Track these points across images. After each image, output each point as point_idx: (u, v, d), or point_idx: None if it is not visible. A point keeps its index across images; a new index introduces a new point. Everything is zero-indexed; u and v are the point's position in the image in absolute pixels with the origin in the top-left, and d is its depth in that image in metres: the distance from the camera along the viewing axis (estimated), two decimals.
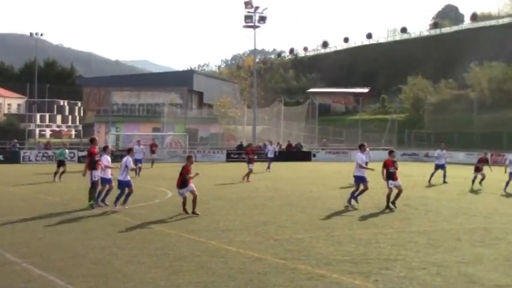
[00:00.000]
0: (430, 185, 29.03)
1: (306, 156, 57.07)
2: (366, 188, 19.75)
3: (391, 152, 20.23)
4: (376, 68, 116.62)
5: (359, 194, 19.72)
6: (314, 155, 58.66)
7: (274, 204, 20.53)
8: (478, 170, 27.70)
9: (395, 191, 19.12)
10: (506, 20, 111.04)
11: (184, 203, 17.60)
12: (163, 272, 10.39)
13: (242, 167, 33.47)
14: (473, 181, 27.43)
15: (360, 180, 19.73)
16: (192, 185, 17.67)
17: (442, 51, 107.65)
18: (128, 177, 18.79)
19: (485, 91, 77.45)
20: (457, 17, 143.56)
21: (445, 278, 10.10)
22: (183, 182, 17.71)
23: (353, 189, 20.27)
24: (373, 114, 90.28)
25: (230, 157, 54.72)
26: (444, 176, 30.27)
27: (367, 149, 22.18)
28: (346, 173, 38.95)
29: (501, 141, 60.75)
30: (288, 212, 18.43)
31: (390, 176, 19.20)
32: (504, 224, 16.64)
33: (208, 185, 26.08)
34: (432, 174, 30.43)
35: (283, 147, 57.56)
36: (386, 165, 19.41)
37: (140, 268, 10.72)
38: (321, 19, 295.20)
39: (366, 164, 20.01)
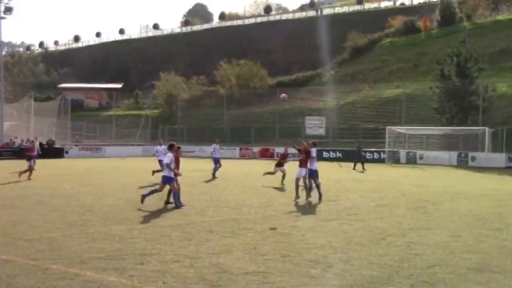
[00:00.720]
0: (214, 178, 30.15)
1: (58, 153, 55.30)
2: (173, 189, 19.34)
3: (178, 148, 20.24)
4: (129, 63, 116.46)
5: (151, 193, 19.16)
6: (67, 152, 57.15)
7: (25, 203, 19.59)
8: (279, 165, 28.10)
9: (166, 188, 19.33)
10: (251, 20, 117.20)
11: None
12: None
13: None
14: (269, 173, 28.46)
15: (167, 180, 19.31)
16: None
17: (194, 48, 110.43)
18: None
19: (233, 87, 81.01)
20: (207, 16, 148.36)
21: (197, 269, 10.43)
22: None
23: (154, 188, 19.84)
24: (127, 110, 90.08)
25: None
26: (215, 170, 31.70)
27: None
28: (99, 169, 38.68)
29: (249, 135, 64.12)
30: (39, 211, 17.70)
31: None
32: (251, 214, 17.57)
33: None
34: (215, 169, 31.60)
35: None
36: (177, 159, 19.55)
37: None
38: (72, 12, 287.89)
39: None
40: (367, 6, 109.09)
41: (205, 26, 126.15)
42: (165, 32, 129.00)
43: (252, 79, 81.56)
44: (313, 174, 21.12)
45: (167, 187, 19.18)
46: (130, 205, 19.05)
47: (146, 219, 16.28)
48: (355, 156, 42.75)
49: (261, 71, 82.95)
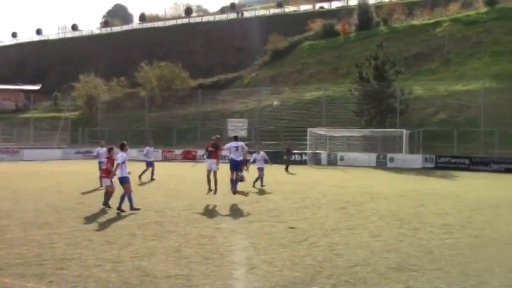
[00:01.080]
0: (141, 182, 29.55)
1: None
2: (127, 190, 18.83)
3: (110, 149, 19.89)
4: (47, 64, 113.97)
5: (122, 200, 18.62)
6: None
7: None
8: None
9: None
10: (172, 22, 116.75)
11: None
12: None
13: None
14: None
15: (123, 181, 18.83)
16: None
17: (114, 49, 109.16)
18: None
19: (155, 89, 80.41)
20: (127, 17, 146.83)
21: (120, 274, 10.30)
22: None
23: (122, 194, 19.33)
24: (46, 112, 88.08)
25: None
26: (152, 172, 31.55)
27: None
28: (16, 173, 37.59)
29: (171, 137, 63.75)
30: None
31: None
32: (174, 217, 17.49)
33: None
34: (144, 172, 31.10)
35: None
36: (112, 161, 19.21)
37: None
38: None
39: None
40: (287, 9, 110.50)
41: (126, 27, 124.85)
42: (84, 33, 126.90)
43: (174, 81, 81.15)
44: (235, 166, 21.64)
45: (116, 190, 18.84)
46: (50, 209, 18.63)
47: (66, 224, 15.93)
48: (284, 159, 43.21)
49: (182, 73, 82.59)
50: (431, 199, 23.29)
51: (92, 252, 12.12)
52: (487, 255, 12.30)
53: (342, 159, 51.17)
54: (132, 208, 18.48)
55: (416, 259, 11.79)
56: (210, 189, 21.76)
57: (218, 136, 23.08)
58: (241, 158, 22.20)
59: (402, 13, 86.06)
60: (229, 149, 22.66)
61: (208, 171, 21.87)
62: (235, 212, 18.92)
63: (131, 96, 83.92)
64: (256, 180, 27.91)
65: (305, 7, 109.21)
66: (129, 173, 18.83)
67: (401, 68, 55.57)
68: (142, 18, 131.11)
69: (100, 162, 27.09)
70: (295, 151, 50.51)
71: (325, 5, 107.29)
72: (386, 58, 54.56)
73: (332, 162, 50.97)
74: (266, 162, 28.70)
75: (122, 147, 19.22)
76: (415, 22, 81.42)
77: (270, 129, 60.19)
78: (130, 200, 18.64)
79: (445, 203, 21.99)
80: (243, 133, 63.38)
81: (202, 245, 12.99)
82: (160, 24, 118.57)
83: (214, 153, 21.82)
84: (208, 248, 12.73)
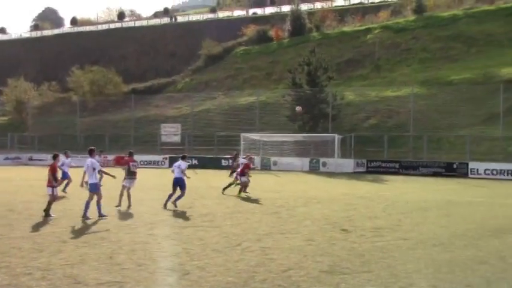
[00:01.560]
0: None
1: None
2: (99, 197, 18.46)
3: (55, 156, 19.34)
4: None
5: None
6: None
7: None
8: (242, 174, 26.92)
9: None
10: (104, 26, 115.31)
11: None
12: None
13: None
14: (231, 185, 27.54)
15: (95, 188, 18.40)
16: None
17: (45, 54, 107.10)
18: None
19: (87, 94, 79.18)
20: (57, 21, 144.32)
21: (50, 282, 10.09)
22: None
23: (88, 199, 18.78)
24: None
25: None
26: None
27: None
28: None
29: (104, 143, 62.83)
30: None
31: (56, 181, 18.63)
32: (107, 223, 17.22)
33: None
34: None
35: None
36: (54, 169, 18.71)
37: None
38: None
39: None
40: (221, 14, 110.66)
41: (56, 31, 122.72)
42: (13, 37, 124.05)
43: (106, 86, 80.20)
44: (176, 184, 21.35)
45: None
46: None
47: None
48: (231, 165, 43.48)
49: (115, 78, 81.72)
50: (362, 203, 23.72)
51: (21, 261, 11.83)
52: (416, 257, 12.63)
53: (275, 164, 51.46)
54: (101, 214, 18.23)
55: (348, 262, 11.99)
56: (119, 205, 21.06)
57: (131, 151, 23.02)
58: (182, 175, 21.70)
59: (334, 20, 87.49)
60: (173, 168, 22.25)
61: (124, 187, 21.30)
62: (169, 217, 18.82)
63: (62, 101, 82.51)
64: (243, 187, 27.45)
65: (238, 13, 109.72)
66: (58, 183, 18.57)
67: (333, 74, 56.44)
68: (74, 22, 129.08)
69: (64, 173, 26.50)
70: (227, 156, 50.58)
71: (259, 11, 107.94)
72: (318, 64, 55.26)
73: (265, 167, 51.19)
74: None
75: (91, 153, 18.96)
76: (347, 29, 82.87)
77: (204, 135, 60.08)
78: (99, 206, 18.34)
79: (376, 206, 22.43)
80: (176, 138, 63.12)
81: (135, 252, 12.87)
82: (92, 28, 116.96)
83: (135, 173, 21.43)
84: (141, 254, 12.62)
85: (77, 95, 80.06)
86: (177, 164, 21.98)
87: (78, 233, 15.41)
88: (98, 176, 18.77)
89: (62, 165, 26.48)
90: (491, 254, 13.09)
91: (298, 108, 36.15)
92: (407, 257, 12.61)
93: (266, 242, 14.14)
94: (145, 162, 53.12)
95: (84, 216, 17.97)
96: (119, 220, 17.95)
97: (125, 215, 19.09)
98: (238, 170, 27.53)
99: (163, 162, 54.50)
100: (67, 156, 28.15)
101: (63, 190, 26.06)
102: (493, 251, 13.46)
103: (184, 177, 21.48)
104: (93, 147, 19.38)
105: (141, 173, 26.94)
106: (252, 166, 28.55)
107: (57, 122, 72.84)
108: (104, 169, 19.46)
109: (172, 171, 21.91)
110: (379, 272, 11.16)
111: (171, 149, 58.19)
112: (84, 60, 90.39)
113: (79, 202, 22.55)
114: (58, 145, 60.18)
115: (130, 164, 21.45)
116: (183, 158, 22.42)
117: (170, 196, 21.19)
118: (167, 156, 54.97)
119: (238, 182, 27.08)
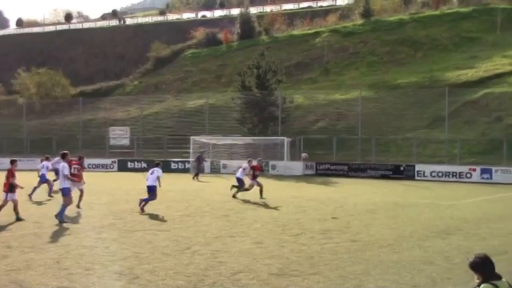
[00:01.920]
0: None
1: None
2: (69, 202, 18.20)
3: (13, 161, 18.90)
4: None
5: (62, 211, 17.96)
6: None
7: None
8: (254, 178, 27.04)
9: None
10: (51, 28, 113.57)
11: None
12: None
13: None
14: (245, 190, 27.20)
15: (67, 192, 18.05)
16: None
17: None
18: None
19: (33, 97, 77.81)
20: (3, 22, 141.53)
21: None
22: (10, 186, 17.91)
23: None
24: None
25: None
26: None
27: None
28: None
29: (51, 146, 61.77)
30: None
31: (11, 188, 18.25)
32: (54, 228, 16.99)
33: None
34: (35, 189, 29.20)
35: None
36: (12, 174, 18.35)
37: None
38: None
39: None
40: (170, 17, 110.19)
41: (1, 32, 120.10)
42: None
43: (54, 88, 78.84)
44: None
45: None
46: None
47: None
48: (195, 167, 43.47)
49: (62, 80, 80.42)
50: (312, 205, 23.90)
51: None
52: (364, 259, 12.80)
53: (225, 167, 51.38)
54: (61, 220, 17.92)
55: (297, 264, 12.08)
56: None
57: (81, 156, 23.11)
58: (155, 183, 21.55)
59: (283, 23, 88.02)
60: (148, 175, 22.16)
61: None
62: (117, 221, 18.63)
63: (8, 103, 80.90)
64: (245, 190, 27.34)
65: (188, 15, 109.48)
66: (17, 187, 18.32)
67: (282, 77, 56.72)
68: (20, 23, 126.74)
69: (42, 175, 26.57)
70: (176, 159, 50.34)
71: (208, 14, 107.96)
72: (268, 67, 55.44)
73: (215, 170, 51.10)
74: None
75: (64, 157, 18.70)
76: (296, 32, 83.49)
77: (153, 138, 59.65)
78: (62, 210, 18.06)
79: (325, 209, 22.64)
80: (125, 141, 62.48)
81: (82, 256, 12.73)
82: (38, 29, 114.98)
83: (77, 176, 21.14)
84: (89, 258, 12.49)
85: (23, 97, 78.57)
86: (151, 171, 21.82)
87: (23, 237, 15.13)
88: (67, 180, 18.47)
89: (43, 168, 26.80)
90: (437, 255, 13.37)
91: (304, 155, 37.96)
92: (356, 259, 12.78)
93: (216, 245, 14.15)
94: (94, 166, 52.51)
95: (62, 221, 17.81)
96: (66, 224, 17.68)
97: (73, 219, 18.83)
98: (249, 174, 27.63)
99: (112, 166, 53.97)
100: (48, 160, 27.89)
101: (49, 195, 26.11)
102: (439, 252, 13.74)
103: (157, 185, 21.35)
104: (66, 151, 19.31)
105: (89, 176, 26.68)
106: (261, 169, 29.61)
107: (2, 125, 71.31)
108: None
109: (147, 179, 21.75)
110: (328, 273, 11.28)
111: (119, 152, 57.65)
112: (31, 62, 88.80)
113: (26, 206, 22.20)
114: (4, 149, 59.07)
115: (73, 166, 21.05)
116: (157, 165, 22.26)
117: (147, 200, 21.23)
118: (116, 159, 54.50)
119: (246, 187, 27.34)
